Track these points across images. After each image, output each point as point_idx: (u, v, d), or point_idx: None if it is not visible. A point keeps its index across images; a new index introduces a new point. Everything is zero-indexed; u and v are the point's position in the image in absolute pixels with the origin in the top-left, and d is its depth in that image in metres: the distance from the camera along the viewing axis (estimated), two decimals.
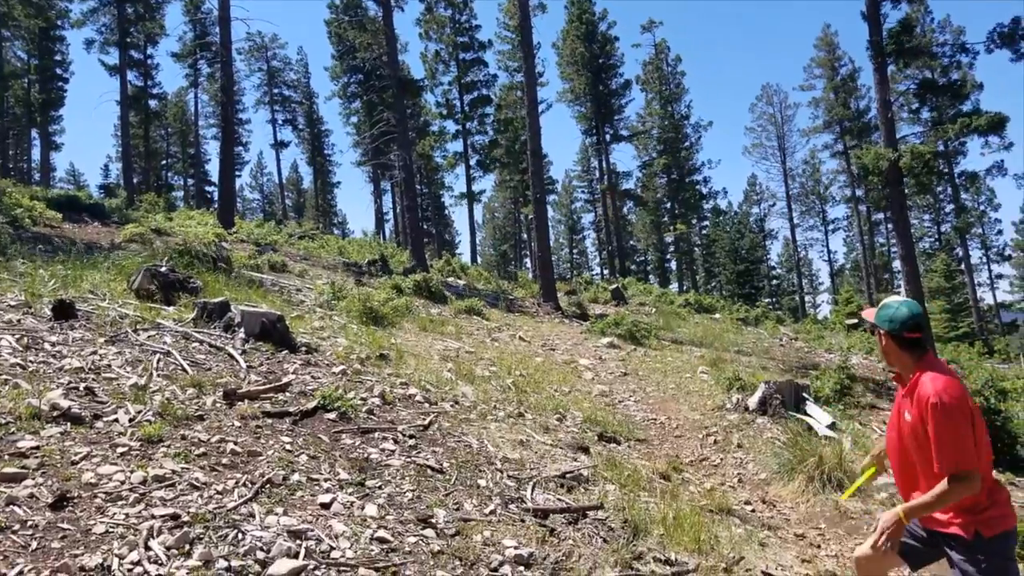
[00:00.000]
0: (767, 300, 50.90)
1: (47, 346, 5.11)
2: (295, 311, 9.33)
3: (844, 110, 45.63)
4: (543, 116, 42.14)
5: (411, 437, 4.95)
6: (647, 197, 49.99)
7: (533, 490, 4.60)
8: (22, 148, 48.84)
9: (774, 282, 58.85)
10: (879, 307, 3.16)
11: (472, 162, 40.48)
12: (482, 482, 4.51)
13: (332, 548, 3.22)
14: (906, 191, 19.52)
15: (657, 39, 48.13)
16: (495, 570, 3.41)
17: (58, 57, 43.12)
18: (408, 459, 4.52)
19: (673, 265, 56.86)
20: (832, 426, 8.06)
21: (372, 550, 3.30)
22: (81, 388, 4.40)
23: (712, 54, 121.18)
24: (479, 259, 50.79)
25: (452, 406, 6.18)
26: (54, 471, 3.34)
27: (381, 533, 3.45)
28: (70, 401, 4.07)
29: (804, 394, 8.98)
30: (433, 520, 3.75)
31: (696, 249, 55.66)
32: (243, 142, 56.18)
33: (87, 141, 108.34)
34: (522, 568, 3.50)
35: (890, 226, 43.97)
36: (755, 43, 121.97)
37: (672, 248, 54.41)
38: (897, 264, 31.97)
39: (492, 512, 4.09)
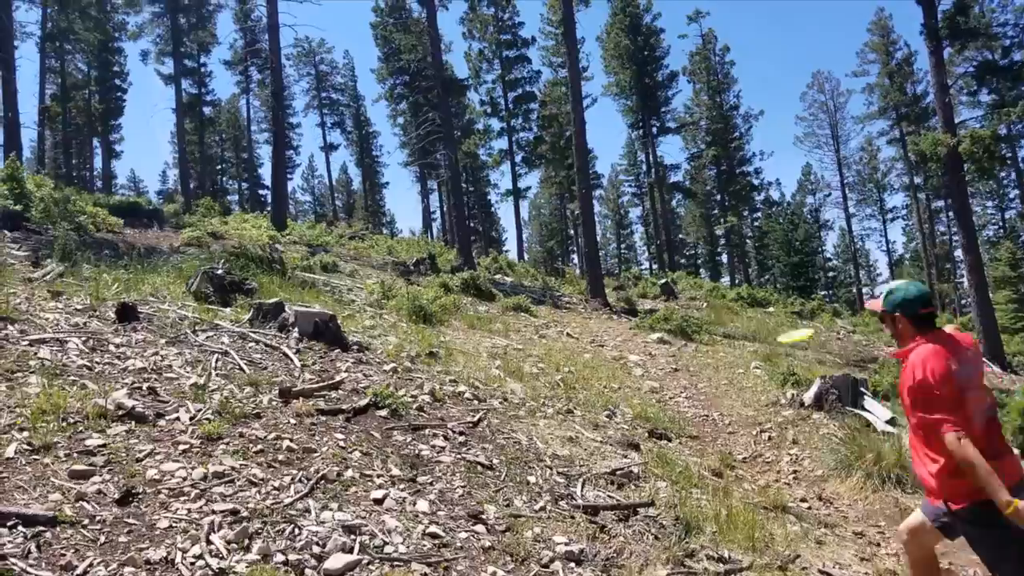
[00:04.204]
0: (823, 293, 49.63)
1: (112, 347, 5.31)
2: (346, 310, 9.47)
3: (900, 95, 44.10)
4: (588, 110, 41.97)
5: (461, 434, 4.99)
6: (696, 189, 49.24)
7: (583, 487, 4.60)
8: (85, 157, 50.70)
9: (830, 274, 57.32)
10: (884, 294, 3.27)
11: (517, 159, 40.51)
12: (532, 479, 4.53)
13: (385, 543, 3.28)
14: (967, 177, 18.84)
15: (704, 29, 47.35)
16: (546, 566, 3.43)
17: (116, 68, 44.63)
18: (458, 455, 4.57)
19: (724, 258, 55.89)
20: (891, 421, 7.83)
21: (424, 545, 3.35)
22: (144, 388, 4.56)
23: (761, 42, 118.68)
24: (526, 256, 50.85)
25: (501, 403, 6.21)
26: (120, 468, 3.47)
27: (433, 529, 3.50)
28: (134, 400, 4.23)
29: (862, 389, 8.74)
30: (484, 516, 3.78)
31: (748, 241, 54.60)
32: (294, 145, 57.30)
33: (146, 149, 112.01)
34: (573, 564, 3.50)
35: (951, 214, 42.47)
36: (805, 30, 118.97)
37: (723, 241, 53.47)
38: (959, 253, 30.82)
39: (542, 508, 4.10)
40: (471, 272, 17.37)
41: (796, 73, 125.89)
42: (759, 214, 53.68)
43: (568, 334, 12.90)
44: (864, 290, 57.87)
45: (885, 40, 45.42)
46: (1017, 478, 2.98)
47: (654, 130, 44.66)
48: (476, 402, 5.99)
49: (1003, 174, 43.67)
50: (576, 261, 56.55)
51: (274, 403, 4.79)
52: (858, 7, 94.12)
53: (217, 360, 5.46)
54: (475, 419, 5.39)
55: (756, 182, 49.29)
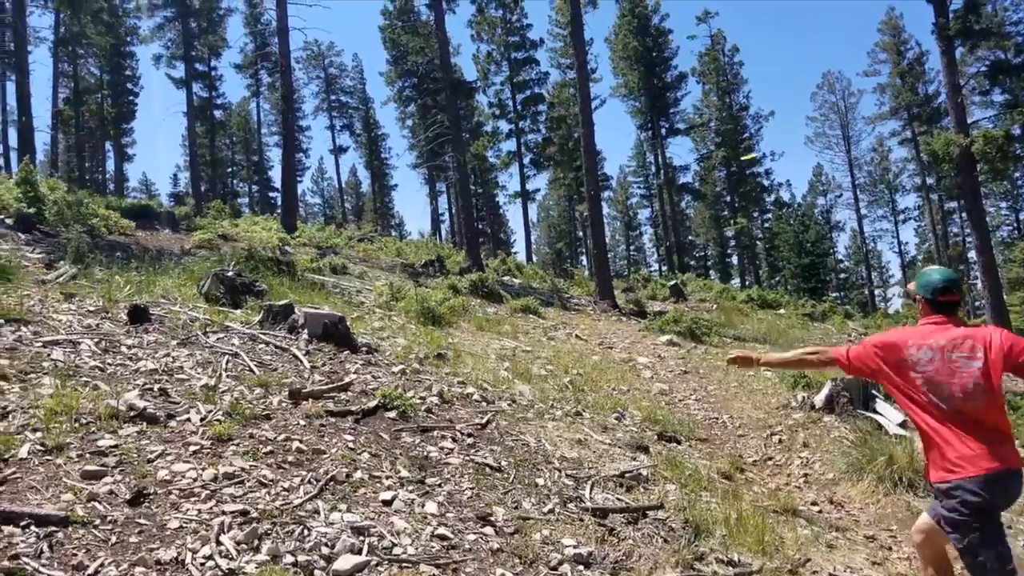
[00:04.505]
0: (834, 295, 49.37)
1: (124, 349, 5.36)
2: (355, 312, 9.49)
3: (912, 95, 43.84)
4: (596, 112, 41.85)
5: (469, 435, 5.00)
6: (706, 191, 49.08)
7: (592, 489, 4.60)
8: (97, 160, 51.04)
9: (842, 276, 57.00)
10: (917, 276, 3.47)
11: (525, 161, 40.54)
12: (540, 481, 4.53)
13: (394, 545, 3.29)
14: (980, 178, 18.71)
15: (713, 30, 47.17)
16: (554, 569, 3.43)
17: (128, 72, 44.94)
18: (467, 457, 4.58)
19: (735, 260, 55.70)
20: (903, 424, 7.77)
21: (433, 547, 3.36)
22: (155, 389, 4.60)
23: (770, 43, 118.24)
24: (534, 258, 50.79)
25: (509, 405, 6.21)
26: (131, 469, 3.50)
27: (441, 530, 3.51)
28: (145, 402, 4.26)
29: (873, 391, 8.67)
30: (492, 518, 3.79)
31: (758, 243, 54.35)
32: (303, 148, 57.45)
33: (157, 152, 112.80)
34: (581, 567, 3.51)
35: (964, 215, 42.20)
36: (815, 29, 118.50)
37: (733, 243, 53.32)
38: (973, 255, 30.60)
39: (551, 511, 4.10)
40: (479, 274, 17.39)
41: (806, 73, 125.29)
42: (769, 215, 53.41)
43: (577, 336, 12.89)
44: (876, 292, 57.54)
45: (896, 40, 45.15)
46: (1000, 466, 3.03)
47: (663, 131, 44.58)
48: (484, 404, 5.98)
49: (1017, 174, 43.32)
50: (585, 263, 56.51)
51: (284, 404, 4.82)
52: (868, 7, 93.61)
53: (227, 361, 5.50)
54: (483, 421, 5.39)
55: (766, 183, 49.17)
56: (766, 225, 53.60)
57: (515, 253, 52.36)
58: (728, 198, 49.87)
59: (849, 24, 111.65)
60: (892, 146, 50.26)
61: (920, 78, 44.15)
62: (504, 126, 41.16)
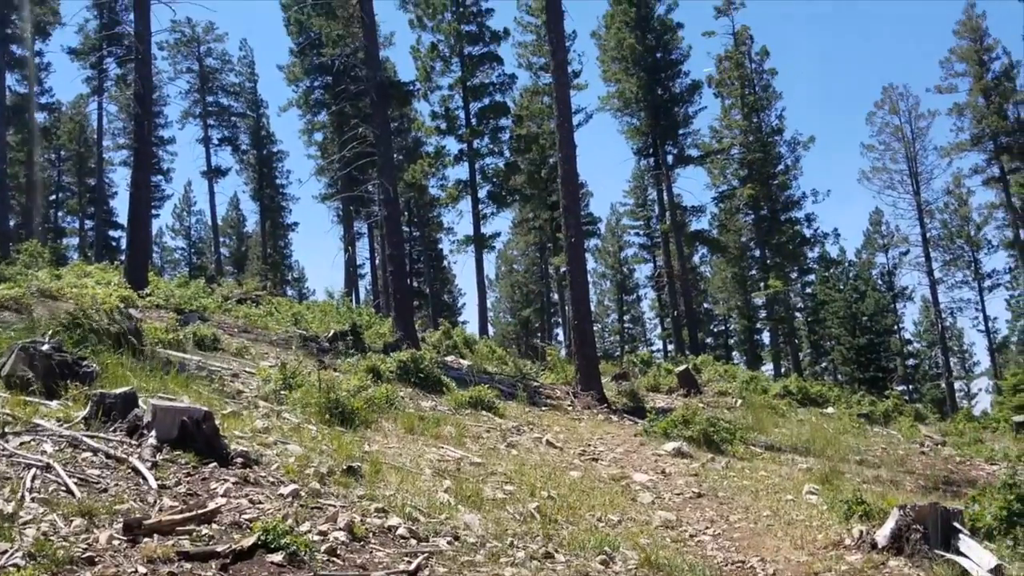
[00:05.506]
0: (901, 388, 50.34)
1: None
2: (229, 405, 9.49)
3: (999, 120, 45.74)
4: (580, 130, 42.87)
5: None
6: (727, 241, 50.11)
7: None
8: None
9: (910, 362, 58.29)
10: None
11: (481, 194, 41.05)
12: None
13: None
14: None
15: (736, 26, 48.71)
16: None
17: None
18: None
19: (766, 338, 56.67)
20: (997, 570, 7.85)
21: None
22: None
23: (812, 46, 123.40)
24: (491, 330, 51.02)
25: (450, 543, 6.18)
26: None
27: None
28: None
29: (956, 524, 8.79)
30: None
31: (798, 315, 55.53)
32: (164, 169, 57.70)
33: None
34: None
35: None
36: (872, 31, 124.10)
37: (764, 314, 54.30)
38: None
39: None
40: (412, 352, 17.34)
41: (860, 87, 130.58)
42: (812, 277, 54.70)
43: (548, 442, 12.94)
44: (957, 385, 58.67)
45: (978, 46, 47.37)
46: None
47: (670, 159, 45.65)
48: (414, 542, 5.96)
49: None
50: (562, 338, 56.94)
51: (116, 542, 4.71)
52: (942, 5, 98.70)
53: (34, 477, 5.40)
54: (412, 567, 5.34)
55: (808, 233, 50.28)
56: (808, 291, 54.84)
57: (464, 323, 52.80)
58: (757, 252, 50.93)
59: (917, 25, 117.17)
60: (974, 187, 51.98)
61: (1009, 97, 46.17)
62: (453, 145, 41.82)
